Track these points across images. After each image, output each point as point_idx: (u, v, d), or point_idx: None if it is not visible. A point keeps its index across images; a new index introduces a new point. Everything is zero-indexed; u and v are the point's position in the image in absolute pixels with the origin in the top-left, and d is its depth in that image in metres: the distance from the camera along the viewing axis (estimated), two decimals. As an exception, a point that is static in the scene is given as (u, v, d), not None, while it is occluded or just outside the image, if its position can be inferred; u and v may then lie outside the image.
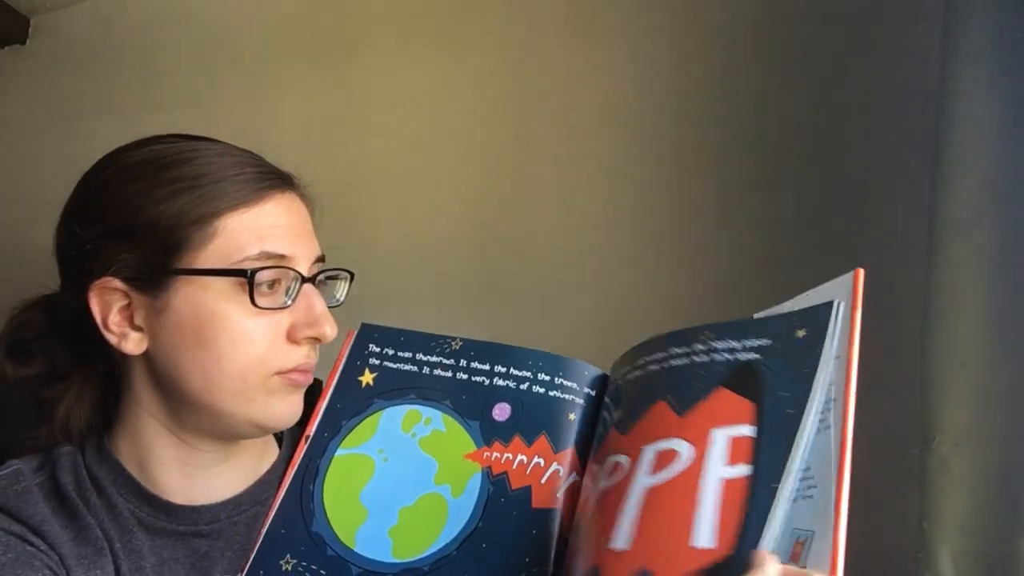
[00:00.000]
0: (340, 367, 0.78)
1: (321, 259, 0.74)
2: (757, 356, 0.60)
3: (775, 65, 1.38)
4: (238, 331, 0.66)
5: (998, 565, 0.80)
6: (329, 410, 0.74)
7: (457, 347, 0.75)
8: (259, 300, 0.66)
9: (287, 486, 0.72)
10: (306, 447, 0.74)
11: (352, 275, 0.79)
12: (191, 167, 0.68)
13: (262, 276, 0.66)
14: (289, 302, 0.68)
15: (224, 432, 0.71)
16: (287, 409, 0.70)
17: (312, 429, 0.75)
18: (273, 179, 0.71)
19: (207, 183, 0.67)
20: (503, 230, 1.58)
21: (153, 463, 0.71)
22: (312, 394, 0.76)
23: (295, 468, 0.72)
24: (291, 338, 0.69)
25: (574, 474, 0.68)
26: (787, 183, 1.36)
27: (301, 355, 0.69)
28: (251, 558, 0.68)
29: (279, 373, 0.68)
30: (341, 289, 0.78)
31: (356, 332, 0.80)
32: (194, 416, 0.69)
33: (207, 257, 0.66)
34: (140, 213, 0.66)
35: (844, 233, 1.29)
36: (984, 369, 0.84)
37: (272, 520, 0.70)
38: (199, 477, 0.72)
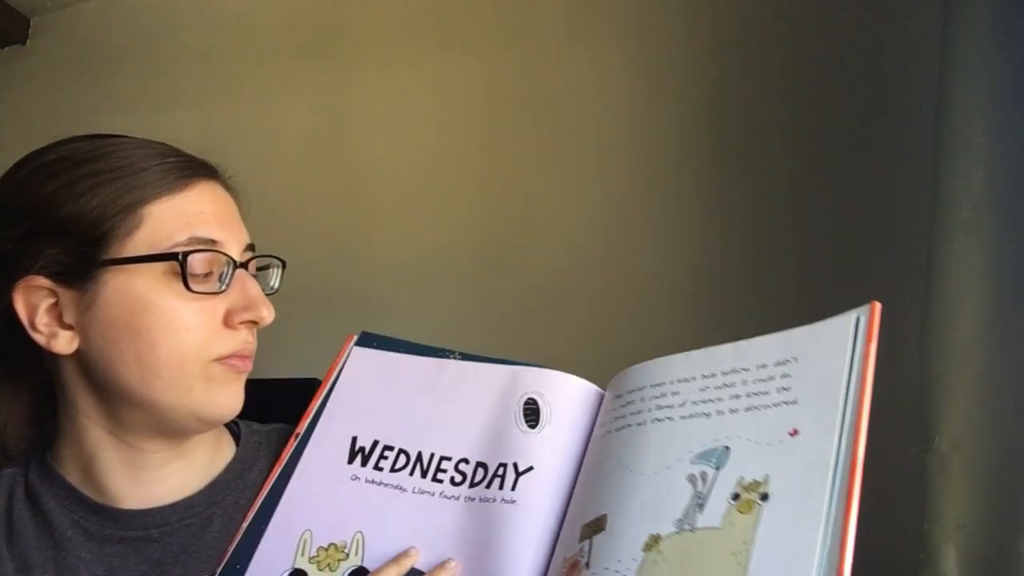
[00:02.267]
0: (336, 370, 0.77)
1: (251, 247, 0.72)
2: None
3: (776, 67, 1.38)
4: (172, 318, 0.64)
5: (998, 565, 0.81)
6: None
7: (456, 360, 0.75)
8: (193, 283, 0.64)
9: (272, 483, 0.71)
10: (295, 445, 0.73)
11: (284, 263, 0.76)
12: (110, 160, 0.67)
13: (194, 260, 0.64)
14: (223, 287, 0.66)
15: (166, 428, 0.68)
16: (228, 399, 0.68)
17: (303, 427, 0.74)
18: (196, 167, 0.69)
19: (128, 174, 0.66)
20: (503, 231, 1.58)
21: (98, 469, 0.69)
22: (303, 394, 0.76)
23: (282, 465, 0.72)
24: (228, 323, 0.67)
25: None
26: (787, 185, 1.36)
27: (239, 340, 0.67)
28: (230, 551, 0.68)
29: (218, 360, 0.66)
30: (275, 277, 0.75)
31: (356, 338, 0.80)
32: (134, 414, 0.67)
33: (135, 246, 0.64)
34: (62, 208, 0.64)
35: (844, 234, 1.29)
36: (984, 369, 0.84)
37: (254, 516, 0.70)
38: (148, 480, 0.69)
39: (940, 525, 0.84)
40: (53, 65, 2.12)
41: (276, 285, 0.75)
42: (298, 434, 0.75)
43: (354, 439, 0.74)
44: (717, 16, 1.44)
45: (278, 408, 0.81)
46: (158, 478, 0.70)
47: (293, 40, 1.84)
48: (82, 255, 0.64)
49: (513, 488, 0.67)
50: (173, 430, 0.69)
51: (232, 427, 0.78)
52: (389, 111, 1.73)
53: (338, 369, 0.78)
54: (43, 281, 0.65)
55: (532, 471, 0.67)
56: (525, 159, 1.59)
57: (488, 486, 0.68)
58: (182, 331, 0.65)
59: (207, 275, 0.66)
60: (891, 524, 0.89)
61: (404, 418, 0.74)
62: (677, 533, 0.56)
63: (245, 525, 0.70)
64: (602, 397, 0.72)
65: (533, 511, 0.65)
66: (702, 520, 0.56)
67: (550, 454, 0.68)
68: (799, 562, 0.50)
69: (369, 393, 0.77)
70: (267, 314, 0.69)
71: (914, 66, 1.24)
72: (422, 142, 1.69)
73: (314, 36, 1.82)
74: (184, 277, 0.64)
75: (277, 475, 0.73)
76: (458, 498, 0.68)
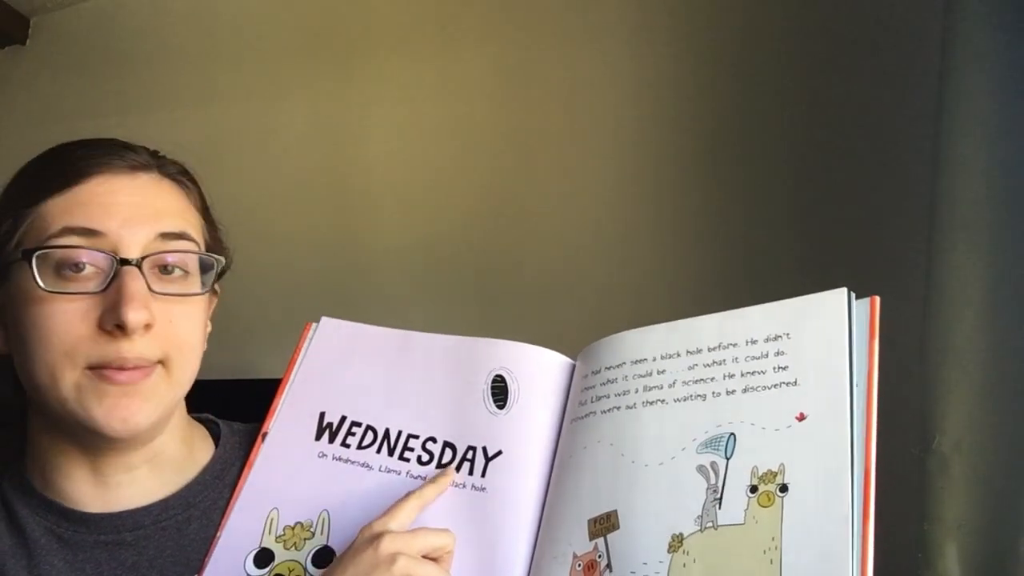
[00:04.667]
0: (298, 362, 0.75)
1: (179, 237, 0.65)
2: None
3: (774, 65, 1.38)
4: (38, 319, 0.60)
5: (998, 565, 0.80)
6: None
7: None
8: (45, 280, 0.59)
9: (246, 483, 0.70)
10: (263, 444, 0.71)
11: (225, 262, 0.68)
12: (36, 163, 0.67)
13: (53, 255, 0.60)
14: (103, 286, 0.60)
15: (74, 435, 0.64)
16: (107, 413, 0.61)
17: (269, 426, 0.72)
18: (109, 160, 0.65)
19: (36, 174, 0.66)
20: (503, 231, 1.58)
21: (60, 475, 0.66)
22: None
23: (252, 468, 0.70)
24: (102, 327, 0.60)
25: None
26: (786, 183, 1.36)
27: (113, 348, 0.60)
28: (211, 556, 0.66)
29: (91, 368, 0.61)
30: (208, 280, 0.68)
31: (315, 326, 0.77)
32: (52, 421, 0.64)
33: (22, 244, 0.63)
34: None
35: (844, 234, 1.29)
36: (984, 369, 0.84)
37: (232, 518, 0.68)
38: (115, 484, 0.67)
39: (940, 525, 0.84)
40: (53, 65, 2.12)
41: (202, 290, 0.67)
42: (265, 433, 0.73)
43: (322, 414, 0.72)
44: (717, 16, 1.43)
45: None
46: (127, 481, 0.67)
47: (293, 40, 1.84)
48: None
49: (483, 475, 0.65)
50: (82, 437, 0.64)
51: (212, 427, 0.76)
52: (389, 111, 1.72)
53: (301, 355, 0.76)
54: None
55: (501, 456, 0.66)
56: (524, 158, 1.59)
57: (457, 470, 0.66)
58: (47, 333, 0.60)
59: (80, 272, 0.61)
60: (891, 524, 0.89)
61: (371, 392, 0.72)
62: (700, 531, 0.55)
63: (222, 531, 0.68)
64: (573, 368, 0.70)
65: (506, 499, 0.64)
66: (723, 516, 0.55)
67: (519, 437, 0.67)
68: (833, 557, 0.50)
69: (337, 365, 0.75)
70: (130, 317, 0.59)
71: (914, 66, 1.24)
72: (422, 142, 1.69)
73: (314, 36, 1.82)
74: (33, 273, 0.60)
75: (251, 476, 0.71)
76: (425, 478, 0.67)
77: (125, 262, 0.61)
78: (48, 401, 0.62)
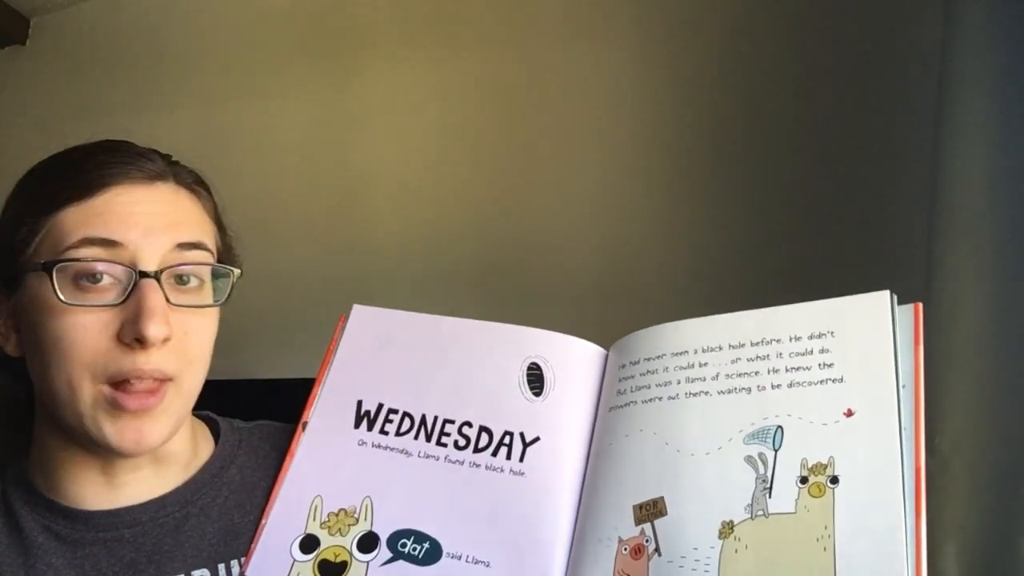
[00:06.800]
0: (334, 351, 0.76)
1: (195, 247, 0.65)
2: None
3: (775, 66, 1.38)
4: (57, 331, 0.60)
5: (998, 565, 0.80)
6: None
7: None
8: (65, 293, 0.59)
9: (289, 472, 0.71)
10: (303, 434, 0.73)
11: (238, 272, 0.69)
12: (49, 167, 0.67)
13: (72, 267, 0.60)
14: (123, 298, 0.61)
15: (87, 448, 0.64)
16: (120, 436, 0.62)
17: (308, 416, 0.74)
18: (128, 170, 0.65)
19: (54, 178, 0.65)
20: (504, 231, 1.58)
21: (68, 477, 0.67)
22: (302, 392, 0.75)
23: (293, 457, 0.72)
24: (121, 340, 0.61)
25: None
26: (786, 184, 1.36)
27: (130, 360, 0.60)
28: (257, 543, 0.68)
29: (111, 384, 0.61)
30: (223, 290, 0.68)
31: (348, 316, 0.78)
32: (66, 429, 0.64)
33: (41, 254, 0.62)
34: (4, 214, 0.66)
35: (844, 234, 1.29)
36: (984, 369, 0.84)
37: (276, 506, 0.70)
38: (121, 484, 0.68)
39: (940, 525, 0.84)
40: (53, 65, 2.12)
41: (219, 300, 0.68)
42: (305, 423, 0.75)
43: (359, 403, 0.74)
44: (717, 15, 1.44)
45: (279, 408, 0.81)
46: (132, 481, 0.68)
47: (293, 40, 1.84)
48: (5, 260, 0.64)
49: (521, 459, 0.67)
50: (95, 450, 0.65)
51: (212, 424, 0.77)
52: (389, 111, 1.73)
53: (337, 345, 0.78)
54: None
55: (539, 442, 0.68)
56: (525, 158, 1.59)
57: (494, 454, 0.68)
58: (65, 344, 0.60)
59: (98, 283, 0.61)
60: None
61: (405, 379, 0.74)
62: (750, 519, 0.57)
63: (266, 522, 0.70)
64: (606, 358, 0.72)
65: (545, 484, 0.66)
66: (773, 505, 0.56)
67: (557, 424, 0.68)
68: (887, 546, 0.52)
69: (371, 353, 0.76)
70: (151, 331, 0.60)
71: (914, 66, 1.24)
72: (422, 141, 1.69)
73: (314, 36, 1.82)
74: (53, 286, 0.60)
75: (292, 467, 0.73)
76: (463, 463, 0.68)
77: (144, 275, 0.62)
78: (64, 412, 0.63)
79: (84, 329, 0.61)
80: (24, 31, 2.17)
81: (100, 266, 0.61)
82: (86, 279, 0.61)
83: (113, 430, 0.62)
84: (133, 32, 2.02)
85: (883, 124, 1.28)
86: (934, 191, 0.92)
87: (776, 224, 1.35)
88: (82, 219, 0.62)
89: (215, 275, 0.68)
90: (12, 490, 0.69)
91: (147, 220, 0.64)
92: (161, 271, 0.63)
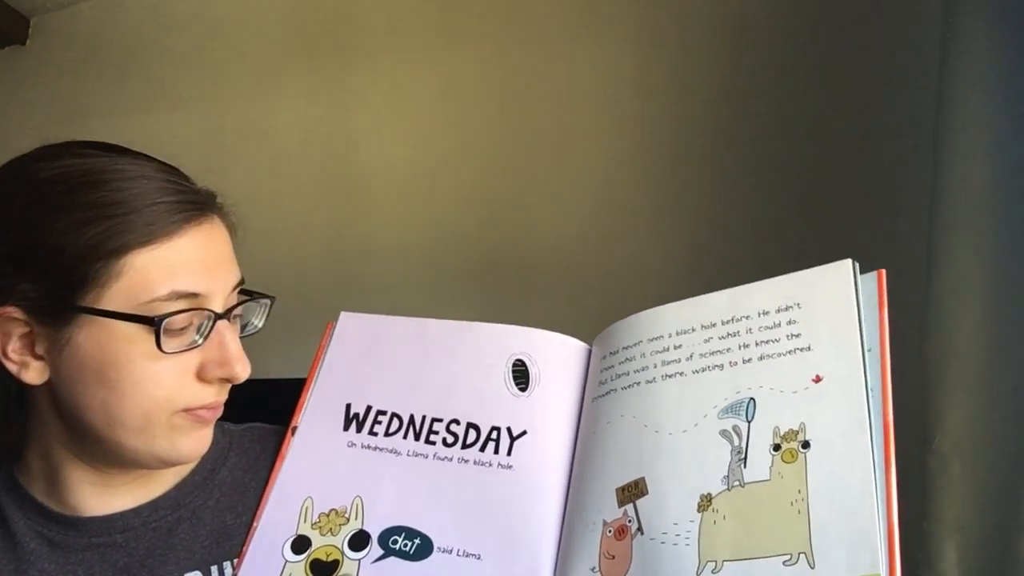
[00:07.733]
0: (322, 357, 0.78)
1: (240, 284, 0.68)
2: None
3: (774, 66, 1.38)
4: (142, 374, 0.62)
5: (998, 565, 0.80)
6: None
7: None
8: (166, 345, 0.61)
9: (279, 475, 0.72)
10: (293, 438, 0.74)
11: (272, 300, 0.73)
12: (103, 192, 0.63)
13: (172, 322, 0.61)
14: (200, 341, 0.63)
15: (128, 463, 0.67)
16: (192, 444, 0.67)
17: (297, 421, 0.75)
18: (190, 209, 0.65)
19: (118, 214, 0.62)
20: (504, 230, 1.59)
21: (64, 485, 0.68)
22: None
23: (283, 461, 0.73)
24: (201, 377, 0.64)
25: None
26: (786, 183, 1.36)
27: (211, 394, 0.65)
28: (249, 546, 0.69)
29: (185, 410, 0.64)
30: (260, 315, 0.72)
31: (335, 324, 0.80)
32: (98, 447, 0.66)
33: (113, 296, 0.61)
34: (46, 240, 0.61)
35: (844, 234, 1.29)
36: (984, 369, 0.84)
37: (268, 509, 0.70)
38: (115, 492, 0.69)
39: (940, 525, 0.84)
40: (53, 65, 2.12)
41: (260, 324, 0.73)
42: (295, 427, 0.75)
43: (348, 406, 0.75)
44: (717, 15, 1.44)
45: (279, 407, 0.81)
46: (125, 491, 0.69)
47: (293, 40, 1.84)
48: (58, 297, 0.61)
49: (509, 453, 0.68)
50: (135, 465, 0.67)
51: None
52: (389, 111, 1.73)
53: (324, 352, 0.79)
54: (17, 312, 0.62)
55: (526, 435, 0.68)
56: (525, 157, 1.59)
57: (482, 449, 0.69)
58: (151, 387, 0.62)
59: (183, 329, 0.63)
60: (891, 524, 0.89)
61: (393, 381, 0.75)
62: (727, 490, 0.58)
63: (258, 524, 0.70)
64: (589, 353, 0.73)
65: (532, 476, 0.67)
66: (749, 474, 0.57)
67: (543, 417, 0.69)
68: (857, 503, 0.53)
69: (358, 358, 0.78)
70: (241, 372, 0.65)
71: (914, 66, 1.24)
72: (422, 141, 1.69)
73: (314, 36, 1.82)
74: (158, 339, 0.61)
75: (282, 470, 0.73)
76: (451, 459, 0.69)
77: (221, 316, 0.65)
78: (127, 439, 0.64)
79: (172, 371, 0.63)
80: (24, 31, 2.17)
81: (189, 316, 0.63)
82: (171, 327, 0.62)
83: (188, 443, 0.66)
84: (133, 32, 2.02)
85: (884, 122, 1.28)
86: (934, 190, 0.92)
87: (776, 223, 1.35)
88: (164, 268, 0.62)
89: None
90: (3, 495, 0.69)
91: (216, 266, 0.66)
92: (227, 311, 0.66)
